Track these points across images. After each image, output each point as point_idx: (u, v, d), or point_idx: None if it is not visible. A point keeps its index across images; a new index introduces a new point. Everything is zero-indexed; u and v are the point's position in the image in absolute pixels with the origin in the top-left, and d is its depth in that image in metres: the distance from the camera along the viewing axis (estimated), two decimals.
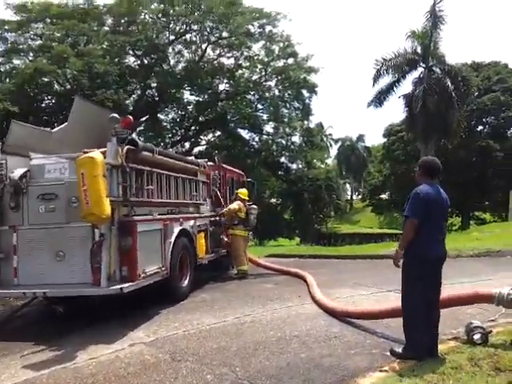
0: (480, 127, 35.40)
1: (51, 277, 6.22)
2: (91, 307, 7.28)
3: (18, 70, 23.95)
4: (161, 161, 7.11)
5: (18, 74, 23.22)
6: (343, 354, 4.54)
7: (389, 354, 4.34)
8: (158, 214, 6.89)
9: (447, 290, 6.71)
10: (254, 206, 10.46)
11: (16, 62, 25.81)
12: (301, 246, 23.92)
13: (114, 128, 5.91)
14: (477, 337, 4.41)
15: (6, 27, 25.10)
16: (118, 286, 5.71)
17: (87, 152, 5.67)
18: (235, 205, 9.92)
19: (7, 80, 24.87)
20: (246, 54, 28.82)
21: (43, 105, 26.90)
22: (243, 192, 10.35)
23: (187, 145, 32.99)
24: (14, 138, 6.69)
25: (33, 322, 7.00)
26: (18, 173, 6.30)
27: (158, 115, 30.48)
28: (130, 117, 6.11)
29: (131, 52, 27.11)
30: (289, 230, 38.44)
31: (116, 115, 6.03)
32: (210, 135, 33.95)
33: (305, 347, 4.82)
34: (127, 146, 6.03)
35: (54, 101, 26.24)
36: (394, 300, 5.20)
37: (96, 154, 5.44)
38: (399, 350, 4.26)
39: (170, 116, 31.97)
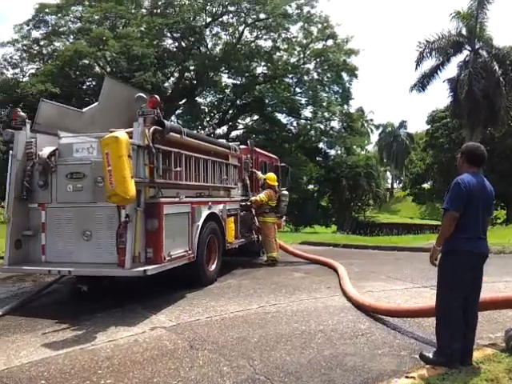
0: None
1: (78, 255, 6.27)
2: (118, 287, 7.29)
3: (59, 52, 24.43)
4: (189, 142, 6.94)
5: (59, 56, 23.69)
6: (369, 353, 4.25)
7: (418, 357, 4.00)
8: (186, 197, 6.74)
9: (488, 290, 6.33)
10: (285, 193, 10.19)
11: (57, 44, 26.34)
12: (336, 234, 23.47)
13: (141, 108, 5.77)
14: None
15: (47, 10, 25.61)
16: (142, 268, 5.65)
17: (113, 131, 5.56)
18: (263, 196, 9.63)
19: (49, 62, 25.43)
20: (283, 35, 28.49)
21: (84, 87, 27.43)
22: (271, 177, 9.96)
23: (225, 128, 32.97)
24: (44, 116, 6.69)
25: (59, 299, 7.04)
26: (46, 151, 6.31)
27: (196, 98, 30.54)
28: (157, 96, 5.94)
29: (169, 34, 27.21)
30: (325, 218, 37.94)
31: (143, 95, 5.90)
32: (248, 119, 33.89)
33: (329, 343, 4.56)
34: (154, 127, 5.89)
35: (94, 83, 26.70)
36: (429, 297, 4.87)
37: (121, 133, 5.31)
38: (429, 354, 3.89)
39: (208, 99, 32.07)
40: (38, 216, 6.44)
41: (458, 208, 3.75)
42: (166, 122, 6.09)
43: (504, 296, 4.77)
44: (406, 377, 3.60)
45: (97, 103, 7.52)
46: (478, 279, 3.90)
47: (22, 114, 6.49)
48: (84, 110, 7.46)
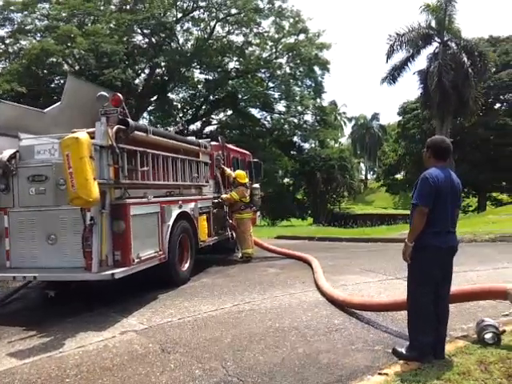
0: (498, 104, 34.15)
1: (44, 260, 6.07)
2: (87, 291, 7.10)
3: (25, 51, 23.73)
4: (156, 141, 6.76)
5: (25, 55, 23.02)
6: (343, 349, 4.21)
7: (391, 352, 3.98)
8: (155, 197, 6.58)
9: (460, 280, 6.41)
10: (256, 186, 10.17)
11: (23, 42, 25.58)
12: (312, 227, 23.58)
13: (103, 107, 5.58)
14: (488, 336, 3.99)
15: (12, 8, 24.83)
16: (110, 272, 5.49)
17: (75, 132, 5.36)
18: (234, 193, 9.52)
19: (15, 61, 24.70)
20: (255, 30, 28.35)
21: (53, 85, 26.74)
22: (241, 175, 9.84)
23: (199, 124, 32.69)
24: (3, 118, 6.41)
25: (26, 306, 6.84)
26: (6, 154, 6.06)
27: (168, 94, 30.14)
28: (119, 94, 5.75)
29: (139, 31, 26.72)
30: (301, 210, 38.08)
31: (105, 93, 5.70)
32: (222, 114, 33.66)
33: (303, 340, 4.51)
34: (117, 126, 5.71)
35: (63, 81, 25.99)
36: (402, 289, 4.83)
37: (81, 134, 5.12)
38: (402, 349, 3.87)
39: (181, 95, 31.69)
40: (1, 221, 6.20)
41: (427, 203, 3.71)
42: (130, 120, 5.90)
43: (473, 288, 4.78)
44: (379, 373, 3.55)
45: (59, 103, 7.25)
46: (447, 273, 3.89)
47: None
48: (45, 110, 7.20)
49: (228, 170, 10.03)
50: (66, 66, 26.10)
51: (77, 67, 25.56)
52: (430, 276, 3.77)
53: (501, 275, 6.88)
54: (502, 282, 5.13)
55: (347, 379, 3.57)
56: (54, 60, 24.50)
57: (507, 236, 11.24)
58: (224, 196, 9.47)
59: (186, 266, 7.63)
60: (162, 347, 4.52)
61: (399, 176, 44.42)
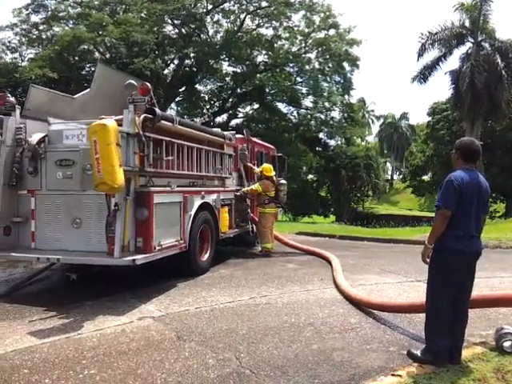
0: None
1: (68, 243, 6.22)
2: (108, 276, 7.23)
3: (58, 37, 24.16)
4: (182, 131, 6.82)
5: (58, 41, 23.44)
6: (357, 348, 4.18)
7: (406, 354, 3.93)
8: (178, 186, 6.65)
9: (483, 286, 6.28)
10: (283, 182, 10.08)
11: (56, 29, 26.02)
12: (334, 225, 23.43)
13: (131, 95, 5.65)
14: (507, 344, 3.90)
15: None
16: (131, 258, 5.57)
17: (103, 119, 5.45)
18: (258, 186, 9.48)
19: (48, 47, 25.19)
20: (285, 24, 28.09)
21: (84, 72, 27.18)
22: (266, 168, 9.79)
23: (225, 116, 32.79)
24: (34, 102, 6.58)
25: (49, 287, 7.00)
26: (36, 137, 6.22)
27: (196, 86, 30.29)
28: (148, 84, 5.81)
29: (169, 21, 26.84)
30: (324, 208, 37.89)
31: (133, 82, 5.77)
32: (248, 108, 33.65)
33: (318, 337, 4.50)
34: (144, 115, 5.78)
35: (93, 68, 26.42)
36: (422, 291, 4.78)
37: (109, 121, 5.20)
38: (417, 352, 3.81)
39: (208, 87, 31.79)
40: (28, 203, 6.37)
41: (450, 206, 3.63)
42: (157, 109, 5.96)
43: (495, 295, 4.67)
44: (393, 374, 3.51)
45: (89, 89, 7.38)
46: (469, 278, 3.81)
47: (12, 99, 6.38)
48: (75, 96, 7.33)
49: (255, 168, 10.03)
50: (96, 54, 26.49)
51: (107, 55, 25.92)
52: (450, 279, 3.70)
53: None
54: None
55: (360, 378, 3.54)
56: (86, 47, 24.89)
57: None
58: (245, 189, 9.46)
59: (206, 256, 7.69)
60: (178, 335, 4.57)
61: (426, 177, 43.68)
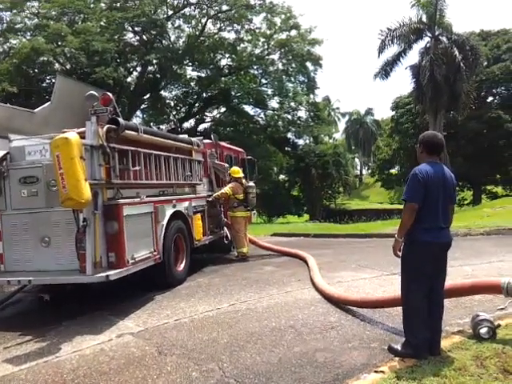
0: (490, 98, 34.30)
1: (38, 263, 5.99)
2: (83, 293, 7.05)
3: (16, 50, 23.49)
4: (148, 140, 6.68)
5: (16, 54, 22.79)
6: (339, 347, 4.19)
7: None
8: (148, 196, 6.53)
9: (456, 274, 6.42)
10: (252, 184, 10.00)
11: (13, 41, 25.29)
12: (308, 224, 23.56)
13: (93, 106, 5.51)
14: (483, 331, 3.99)
15: (1, 6, 24.53)
16: (104, 274, 5.42)
17: (65, 132, 5.29)
18: (228, 189, 9.43)
19: (5, 60, 24.44)
20: (247, 27, 28.12)
21: (44, 84, 26.53)
22: (234, 170, 9.76)
23: (192, 121, 32.57)
24: None
25: (22, 310, 6.77)
26: None
27: (161, 92, 29.98)
28: (109, 93, 5.68)
29: (130, 28, 26.44)
30: (297, 207, 38.13)
31: (94, 92, 5.63)
32: (215, 112, 33.55)
33: (299, 339, 4.49)
34: (107, 125, 5.64)
35: (54, 80, 25.80)
36: (398, 284, 4.82)
37: (71, 134, 5.05)
38: (398, 346, 3.85)
39: (173, 93, 31.55)
40: None
41: (417, 199, 3.69)
42: (120, 119, 5.83)
43: (468, 283, 4.76)
44: (376, 371, 3.53)
45: (49, 103, 7.17)
46: (441, 269, 3.87)
47: None
48: (36, 110, 7.11)
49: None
50: (57, 65, 25.91)
51: (68, 66, 25.37)
52: (422, 272, 3.75)
53: (496, 269, 6.92)
54: (497, 276, 5.14)
55: (344, 377, 3.55)
56: (45, 59, 24.26)
57: (502, 229, 11.30)
58: (216, 194, 9.37)
59: (182, 266, 7.58)
60: (159, 349, 4.48)
61: (394, 171, 44.50)
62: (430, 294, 3.78)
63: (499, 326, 4.18)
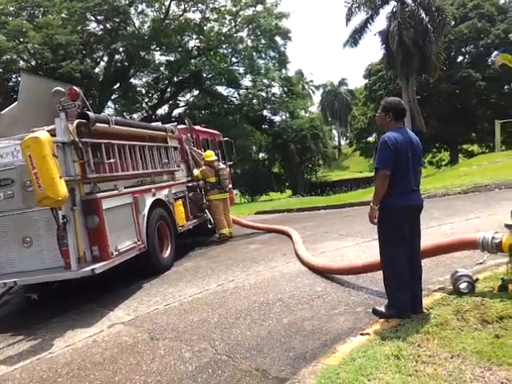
0: (460, 57, 34.60)
1: (22, 264, 5.98)
2: (70, 289, 7.07)
3: None
4: (120, 131, 6.64)
5: None
6: (326, 315, 4.32)
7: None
8: (126, 188, 6.52)
9: (436, 233, 6.61)
10: (222, 166, 9.97)
11: None
12: (290, 199, 23.78)
13: (60, 102, 5.44)
14: (463, 286, 4.15)
15: None
16: (89, 268, 5.44)
17: (35, 131, 5.23)
18: (198, 173, 9.46)
19: None
20: (211, 6, 27.75)
21: (11, 83, 25.87)
22: (207, 154, 9.77)
23: (166, 107, 32.22)
24: None
25: (11, 311, 6.78)
26: None
27: (131, 80, 29.53)
28: (76, 87, 5.60)
29: (92, 18, 25.86)
30: (279, 184, 38.37)
31: (60, 88, 5.56)
32: (188, 95, 33.24)
33: (287, 311, 4.61)
34: (77, 120, 5.59)
35: (20, 79, 25.15)
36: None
37: (41, 133, 4.99)
38: (381, 308, 3.99)
39: (144, 80, 31.15)
40: None
41: (388, 166, 3.77)
42: (90, 113, 5.78)
43: (445, 241, 4.93)
44: (361, 334, 3.67)
45: (16, 102, 7.04)
46: (416, 230, 3.99)
47: None
48: (3, 112, 6.97)
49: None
50: (21, 63, 25.25)
51: (33, 62, 24.76)
52: (398, 234, 3.86)
53: (473, 225, 7.11)
54: (474, 232, 5.31)
55: (332, 343, 3.67)
56: (8, 57, 23.63)
57: (478, 186, 11.56)
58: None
59: (168, 252, 7.63)
60: (151, 335, 4.56)
61: (371, 139, 44.85)
62: (408, 256, 3.90)
63: (477, 279, 4.36)
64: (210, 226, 9.93)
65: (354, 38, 24.75)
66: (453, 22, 28.54)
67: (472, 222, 7.59)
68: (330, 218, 11.42)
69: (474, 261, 5.08)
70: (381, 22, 25.39)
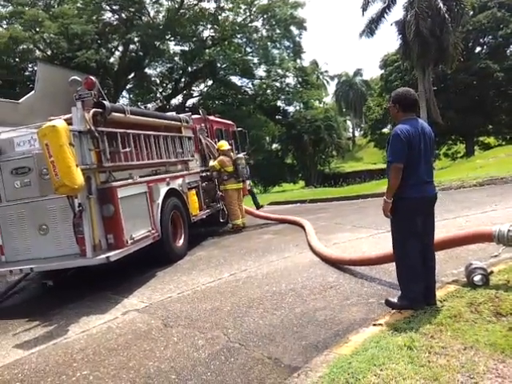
0: (478, 48, 33.86)
1: (38, 251, 6.10)
2: (85, 276, 7.18)
3: None
4: (136, 120, 6.70)
5: None
6: (339, 305, 4.34)
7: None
8: (141, 177, 6.59)
9: (451, 226, 6.55)
10: (240, 156, 10.02)
11: None
12: (303, 190, 23.74)
13: (77, 91, 5.49)
14: (477, 278, 4.10)
15: None
16: (104, 255, 5.53)
17: (52, 120, 5.29)
18: (216, 163, 9.49)
19: None
20: None
21: (27, 73, 26.11)
22: (221, 144, 9.79)
23: (180, 97, 32.25)
24: None
25: (27, 297, 6.91)
26: None
27: (145, 70, 29.58)
28: (92, 77, 5.65)
29: (107, 7, 25.87)
30: (292, 175, 38.27)
31: (76, 77, 5.61)
32: (202, 85, 33.20)
33: (300, 301, 4.63)
34: (93, 109, 5.64)
35: (36, 68, 25.37)
36: None
37: (58, 121, 5.05)
38: (394, 299, 3.98)
39: (158, 70, 31.14)
40: None
41: (401, 159, 3.73)
42: (106, 102, 5.83)
43: (460, 234, 4.88)
44: (374, 324, 3.66)
45: (33, 92, 7.12)
46: (430, 221, 3.95)
47: None
48: (20, 100, 7.06)
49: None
50: (37, 52, 25.43)
51: (49, 52, 24.92)
52: (412, 226, 3.83)
53: (489, 218, 7.04)
54: (490, 225, 5.25)
55: (344, 333, 3.68)
56: (25, 47, 23.82)
57: (494, 179, 11.40)
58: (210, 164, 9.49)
59: (181, 241, 7.71)
60: (164, 322, 4.62)
61: (386, 130, 44.34)
62: (422, 247, 3.87)
63: (492, 272, 4.31)
64: (222, 220, 9.95)
65: (370, 28, 24.42)
66: (471, 12, 27.90)
67: (488, 214, 7.50)
68: (343, 209, 11.39)
69: (488, 253, 5.04)
70: (397, 12, 25.09)
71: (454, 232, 5.24)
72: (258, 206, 13.17)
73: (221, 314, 4.61)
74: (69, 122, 5.39)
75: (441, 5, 22.23)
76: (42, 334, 4.85)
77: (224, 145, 9.74)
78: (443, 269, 4.74)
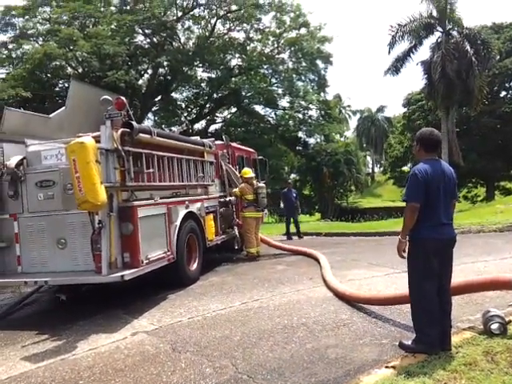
0: (503, 93, 33.85)
1: (55, 264, 6.18)
2: (98, 293, 7.20)
3: (28, 56, 23.85)
4: (161, 142, 6.83)
5: (29, 59, 23.14)
6: (351, 344, 4.25)
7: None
8: (161, 198, 6.66)
9: (468, 270, 6.42)
10: (262, 185, 10.08)
11: (26, 47, 25.67)
12: (319, 223, 23.59)
13: (107, 110, 5.64)
14: (495, 327, 4.00)
15: (13, 13, 24.92)
16: (119, 274, 5.55)
17: (80, 137, 5.43)
18: (236, 190, 9.59)
19: (19, 66, 24.84)
20: (256, 26, 28.24)
21: (57, 88, 26.90)
22: (245, 171, 9.93)
23: (203, 122, 32.72)
24: (9, 125, 6.50)
25: (39, 310, 6.95)
26: (14, 160, 6.16)
27: (172, 94, 30.20)
28: (123, 98, 5.81)
29: (140, 31, 26.71)
30: (309, 206, 38.10)
31: (108, 97, 5.77)
32: (226, 112, 33.61)
33: (311, 336, 4.56)
34: (122, 129, 5.77)
35: (67, 84, 26.13)
36: None
37: (87, 139, 5.19)
38: (408, 342, 3.89)
39: (184, 94, 31.73)
40: (11, 227, 6.31)
41: (418, 199, 3.72)
42: (134, 123, 5.97)
43: (480, 279, 4.79)
44: (386, 367, 3.58)
45: (64, 108, 7.34)
46: (447, 264, 3.89)
47: None
48: (51, 115, 7.28)
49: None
50: (69, 69, 26.23)
51: (80, 70, 25.67)
52: (429, 269, 3.77)
53: (508, 265, 6.91)
54: (509, 272, 5.15)
55: (355, 373, 3.60)
56: (57, 63, 24.62)
57: None
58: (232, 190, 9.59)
59: (195, 265, 7.70)
60: (173, 347, 4.58)
61: (406, 168, 44.17)
62: (438, 290, 3.80)
63: (510, 321, 4.19)
64: (236, 247, 9.94)
65: (396, 67, 24.62)
66: (498, 57, 28.06)
67: (507, 261, 7.37)
68: (359, 245, 11.28)
69: (506, 302, 4.94)
70: (424, 52, 25.33)
71: (472, 277, 5.14)
72: (300, 236, 13.97)
73: (230, 343, 4.56)
74: (97, 139, 5.52)
75: (468, 47, 22.36)
76: (50, 348, 4.85)
77: (248, 172, 9.84)
78: (459, 314, 4.63)
